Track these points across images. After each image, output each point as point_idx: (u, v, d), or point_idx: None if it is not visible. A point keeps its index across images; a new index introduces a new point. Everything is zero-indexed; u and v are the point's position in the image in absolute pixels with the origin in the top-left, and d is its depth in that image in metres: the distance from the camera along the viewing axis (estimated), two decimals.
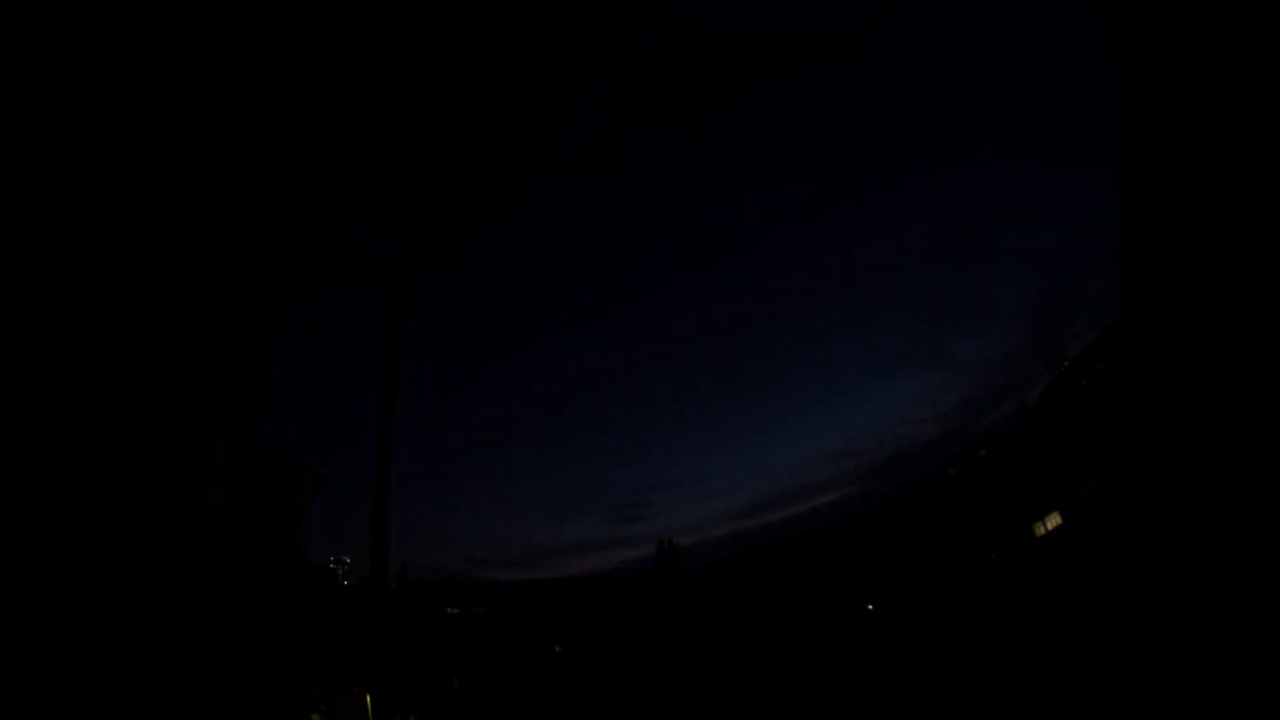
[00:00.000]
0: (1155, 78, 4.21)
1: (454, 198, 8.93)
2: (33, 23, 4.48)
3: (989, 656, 48.82)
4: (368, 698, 47.44)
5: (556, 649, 50.43)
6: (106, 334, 4.70)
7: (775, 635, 57.24)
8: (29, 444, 4.15)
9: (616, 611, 61.09)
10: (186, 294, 5.80)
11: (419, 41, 6.49)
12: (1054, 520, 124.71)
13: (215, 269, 6.37)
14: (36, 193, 4.48)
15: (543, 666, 48.69)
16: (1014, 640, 49.39)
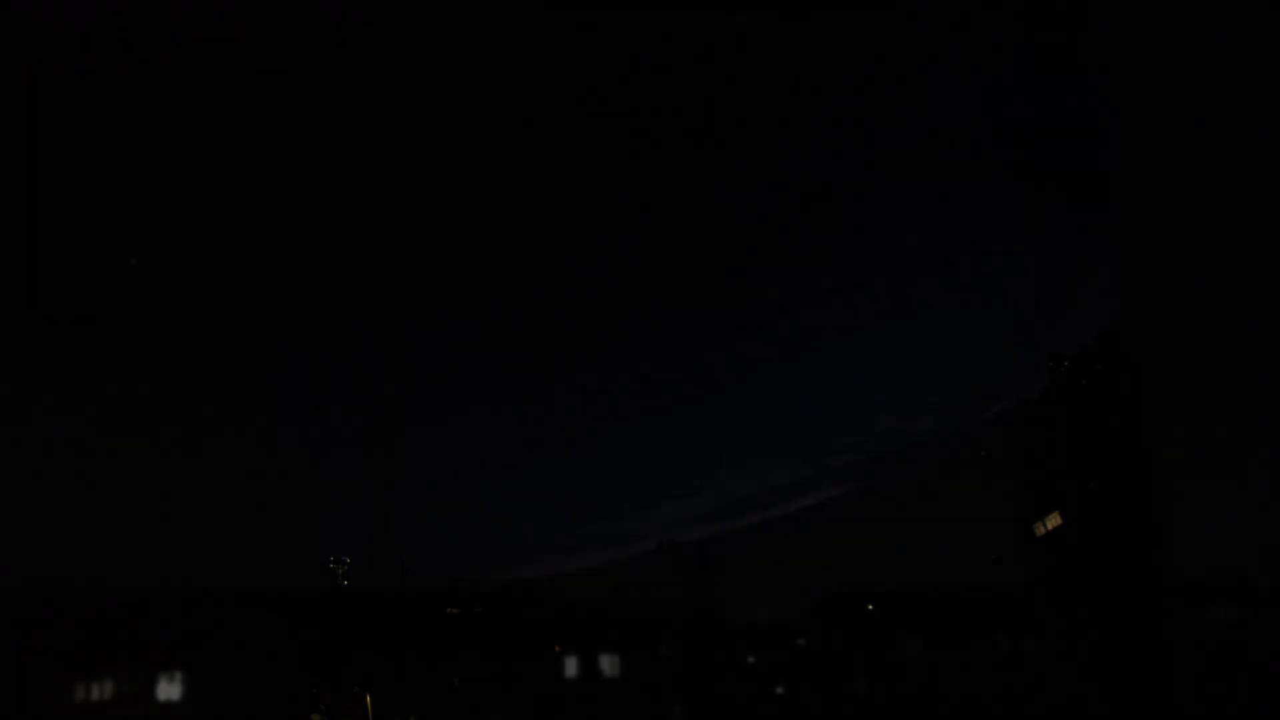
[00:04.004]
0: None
1: None
2: None
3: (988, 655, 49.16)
4: (368, 698, 47.05)
5: (556, 649, 50.47)
6: None
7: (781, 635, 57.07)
8: None
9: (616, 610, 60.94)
10: None
11: None
12: (1054, 520, 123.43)
13: None
14: None
15: (542, 665, 48.53)
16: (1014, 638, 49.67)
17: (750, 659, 49.84)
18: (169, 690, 43.78)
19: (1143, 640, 36.62)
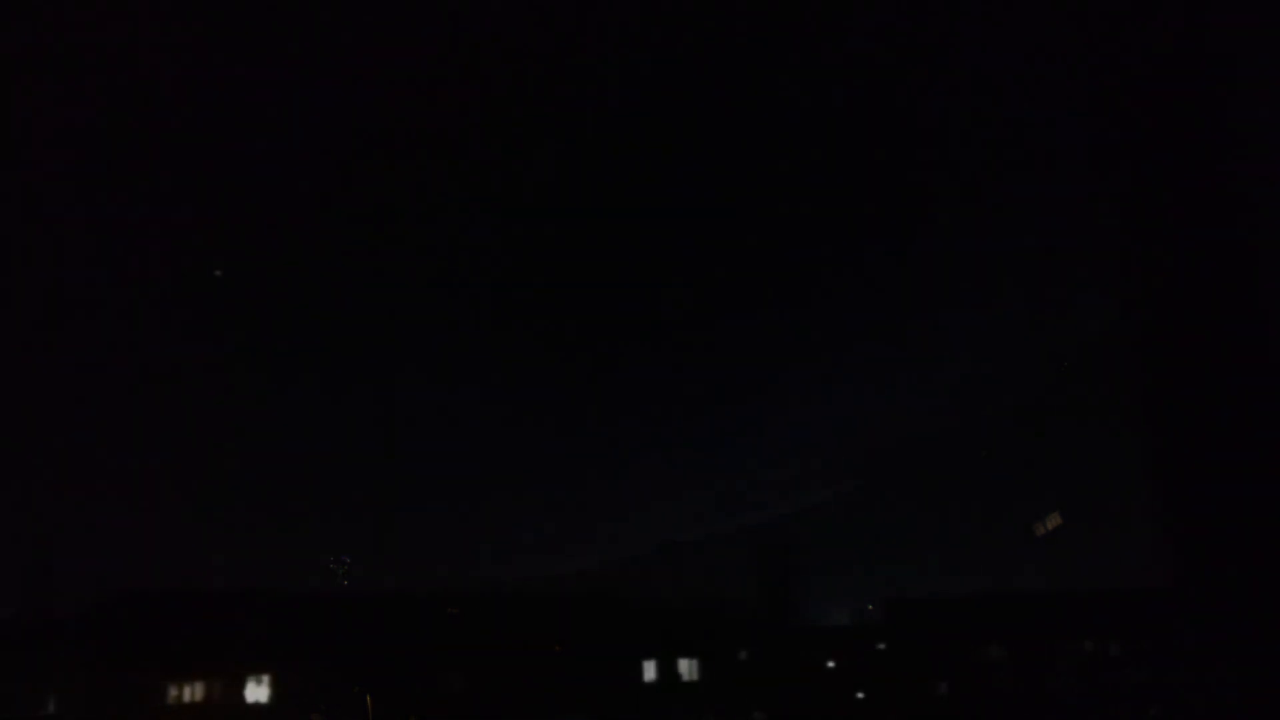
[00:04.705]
0: None
1: None
2: None
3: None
4: (368, 698, 46.74)
5: (557, 648, 50.44)
6: None
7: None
8: None
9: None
10: None
11: None
12: (1054, 521, 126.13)
13: None
14: None
15: (543, 666, 48.55)
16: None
17: (830, 664, 50.20)
18: (257, 692, 43.46)
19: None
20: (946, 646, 49.25)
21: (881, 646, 50.35)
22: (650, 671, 49.78)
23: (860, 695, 48.61)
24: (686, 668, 50.07)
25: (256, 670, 43.52)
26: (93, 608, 43.65)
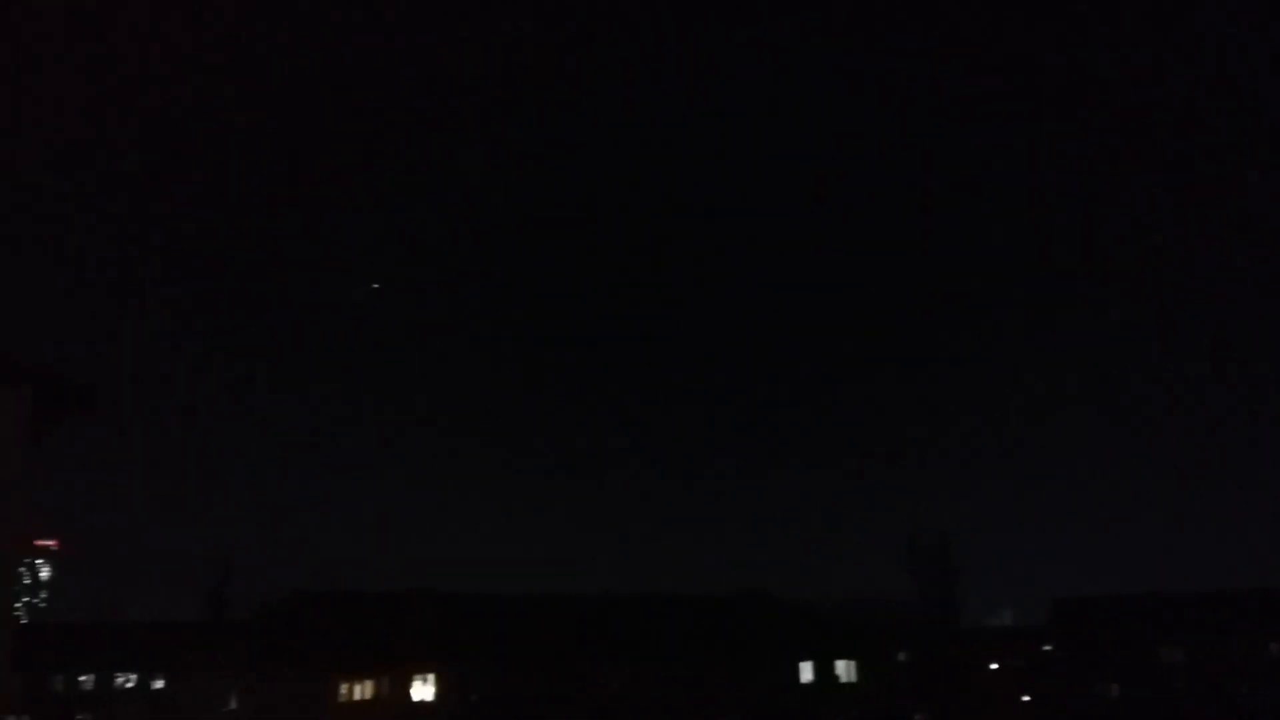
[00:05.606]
0: None
1: None
2: None
3: None
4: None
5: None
6: None
7: None
8: None
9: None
10: None
11: None
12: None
13: None
14: None
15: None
16: None
17: (993, 665, 48.73)
18: (423, 690, 41.59)
19: None
20: (1118, 648, 47.83)
21: (1048, 648, 48.97)
22: (807, 673, 48.22)
23: (1026, 698, 47.24)
24: (844, 669, 48.55)
25: (422, 669, 41.69)
26: (266, 608, 41.83)
